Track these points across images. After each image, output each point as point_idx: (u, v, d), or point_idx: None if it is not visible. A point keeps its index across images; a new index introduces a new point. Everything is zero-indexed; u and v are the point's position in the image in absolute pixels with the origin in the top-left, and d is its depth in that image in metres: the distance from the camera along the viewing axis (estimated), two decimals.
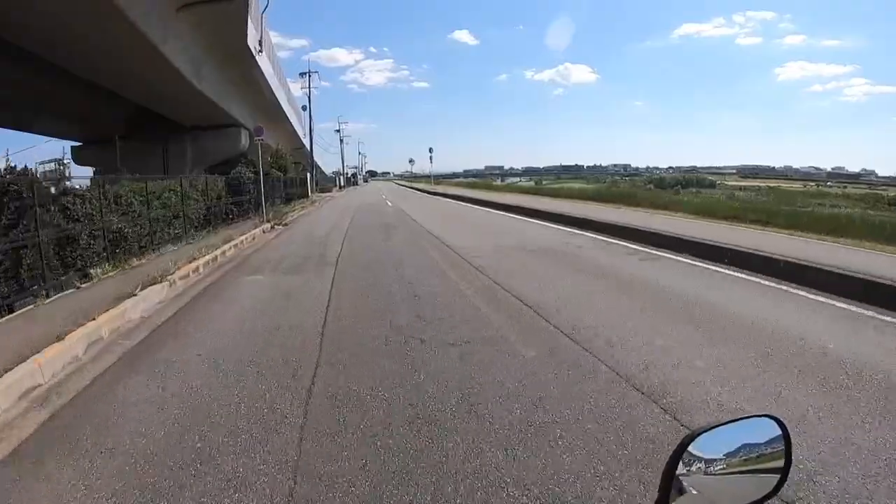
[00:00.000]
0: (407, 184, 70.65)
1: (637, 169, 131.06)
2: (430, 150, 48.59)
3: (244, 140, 23.39)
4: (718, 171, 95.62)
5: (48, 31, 11.56)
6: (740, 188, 37.99)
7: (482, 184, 47.55)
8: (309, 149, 41.54)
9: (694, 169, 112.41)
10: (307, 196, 30.95)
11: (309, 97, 41.50)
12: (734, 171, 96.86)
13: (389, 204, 24.37)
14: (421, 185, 50.80)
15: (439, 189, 37.92)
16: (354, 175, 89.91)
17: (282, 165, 26.50)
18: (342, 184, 66.00)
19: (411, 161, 69.19)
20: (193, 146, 22.48)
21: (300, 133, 40.27)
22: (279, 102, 27.35)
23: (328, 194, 40.95)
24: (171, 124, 21.23)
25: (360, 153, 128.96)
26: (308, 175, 34.30)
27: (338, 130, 74.81)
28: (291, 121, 35.49)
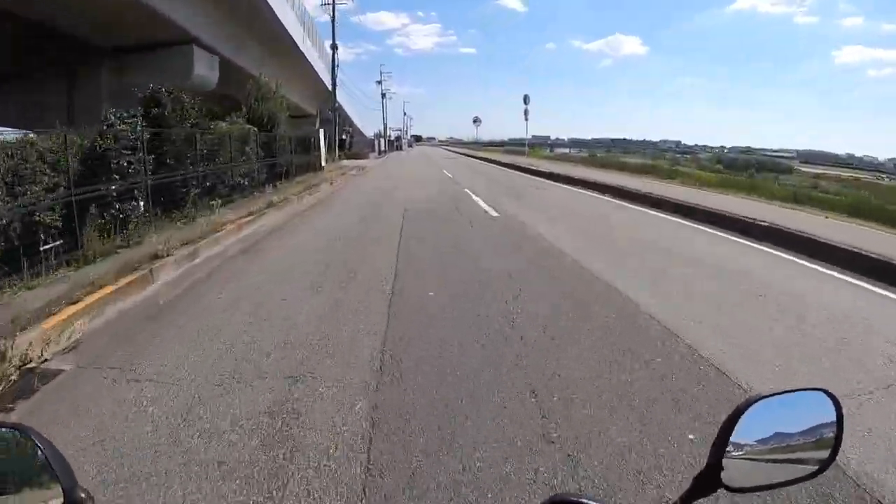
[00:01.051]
0: (463, 151, 61.83)
1: (690, 146, 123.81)
2: (526, 111, 29.26)
3: (201, 68, 15.63)
4: (776, 154, 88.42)
5: None
6: (816, 176, 33.24)
7: (537, 153, 45.15)
8: (333, 97, 28.25)
9: (749, 150, 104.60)
10: (317, 169, 19.73)
11: (333, 14, 28.53)
12: (792, 154, 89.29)
13: (481, 203, 11.79)
14: (491, 155, 40.54)
15: (522, 161, 27.90)
16: (398, 139, 78.24)
17: (265, 115, 15.11)
18: (383, 147, 54.73)
19: (476, 120, 60.79)
20: (113, 77, 14.90)
21: (326, 81, 28.92)
22: (283, 25, 18.82)
23: (360, 163, 28.61)
24: (79, 45, 14.30)
25: (404, 113, 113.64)
26: (321, 134, 21.91)
27: (380, 82, 63.17)
28: (311, 61, 25.58)
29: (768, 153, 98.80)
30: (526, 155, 32.77)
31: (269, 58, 20.17)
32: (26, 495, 0.70)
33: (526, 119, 29.75)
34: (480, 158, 37.80)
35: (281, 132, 15.73)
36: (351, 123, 49.57)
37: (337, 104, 29.18)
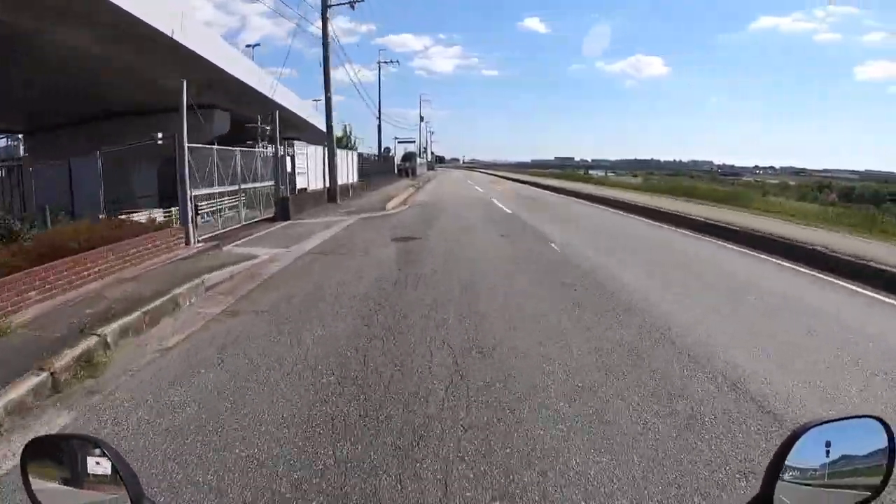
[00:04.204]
0: (503, 174, 53.33)
1: (722, 167, 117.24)
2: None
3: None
4: (832, 176, 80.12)
5: None
6: None
7: (581, 176, 41.35)
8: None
9: (804, 171, 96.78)
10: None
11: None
12: (857, 176, 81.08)
13: None
14: (539, 180, 35.81)
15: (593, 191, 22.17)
16: (410, 157, 55.31)
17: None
18: (398, 171, 43.26)
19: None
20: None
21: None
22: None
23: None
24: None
25: (421, 118, 71.88)
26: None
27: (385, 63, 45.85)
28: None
29: (830, 173, 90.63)
30: (595, 182, 27.91)
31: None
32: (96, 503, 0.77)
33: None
34: (534, 184, 31.22)
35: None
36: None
37: None
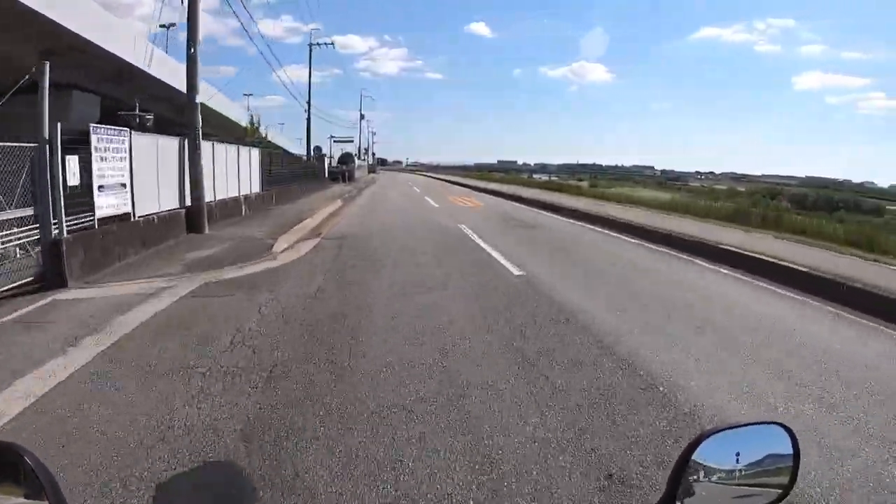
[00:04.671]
0: (445, 177, 50.01)
1: (665, 172, 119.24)
2: None
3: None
4: (776, 182, 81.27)
5: None
6: None
7: (523, 180, 39.08)
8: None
9: (745, 177, 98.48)
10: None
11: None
12: (796, 182, 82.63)
13: None
14: (483, 184, 34.28)
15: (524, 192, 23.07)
16: (348, 158, 48.02)
17: None
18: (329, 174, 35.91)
19: None
20: None
21: None
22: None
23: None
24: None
25: (361, 116, 67.20)
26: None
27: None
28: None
29: (768, 178, 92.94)
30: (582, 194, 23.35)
31: None
32: None
33: None
34: (496, 193, 25.66)
35: None
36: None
37: None
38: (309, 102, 34.14)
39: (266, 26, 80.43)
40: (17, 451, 0.72)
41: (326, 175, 35.64)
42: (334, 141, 52.15)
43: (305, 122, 34.65)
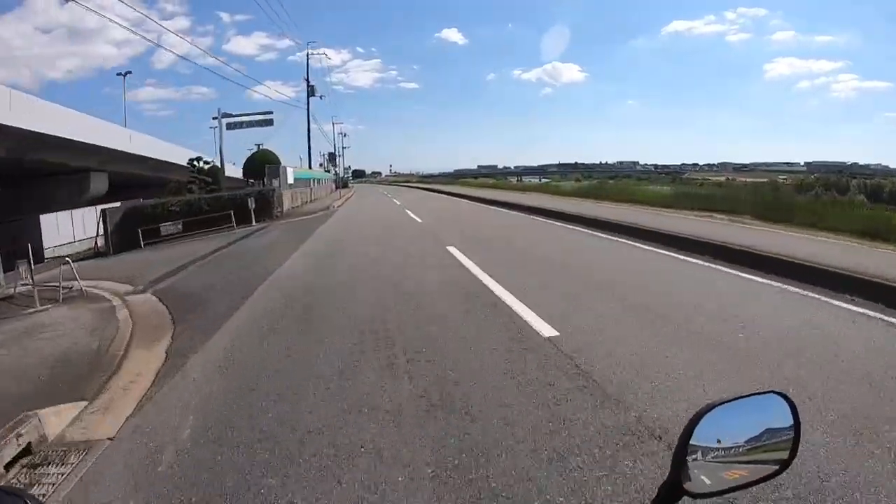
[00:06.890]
0: (440, 188, 41.94)
1: (655, 166, 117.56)
2: None
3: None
4: (773, 169, 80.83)
5: None
6: None
7: (534, 186, 34.21)
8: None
9: (746, 167, 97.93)
10: None
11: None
12: (803, 166, 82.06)
13: None
14: (475, 192, 28.78)
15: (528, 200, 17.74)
16: (260, 170, 27.42)
17: None
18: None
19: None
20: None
21: None
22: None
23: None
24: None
25: (333, 121, 69.52)
26: None
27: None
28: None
29: (769, 166, 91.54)
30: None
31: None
32: None
33: None
34: (469, 197, 24.98)
35: None
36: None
37: None
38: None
39: (238, 44, 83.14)
40: (25, 499, 0.74)
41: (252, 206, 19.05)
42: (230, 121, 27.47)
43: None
